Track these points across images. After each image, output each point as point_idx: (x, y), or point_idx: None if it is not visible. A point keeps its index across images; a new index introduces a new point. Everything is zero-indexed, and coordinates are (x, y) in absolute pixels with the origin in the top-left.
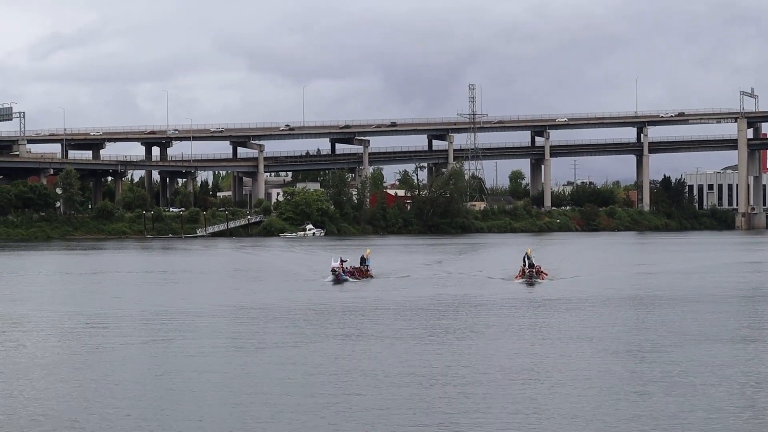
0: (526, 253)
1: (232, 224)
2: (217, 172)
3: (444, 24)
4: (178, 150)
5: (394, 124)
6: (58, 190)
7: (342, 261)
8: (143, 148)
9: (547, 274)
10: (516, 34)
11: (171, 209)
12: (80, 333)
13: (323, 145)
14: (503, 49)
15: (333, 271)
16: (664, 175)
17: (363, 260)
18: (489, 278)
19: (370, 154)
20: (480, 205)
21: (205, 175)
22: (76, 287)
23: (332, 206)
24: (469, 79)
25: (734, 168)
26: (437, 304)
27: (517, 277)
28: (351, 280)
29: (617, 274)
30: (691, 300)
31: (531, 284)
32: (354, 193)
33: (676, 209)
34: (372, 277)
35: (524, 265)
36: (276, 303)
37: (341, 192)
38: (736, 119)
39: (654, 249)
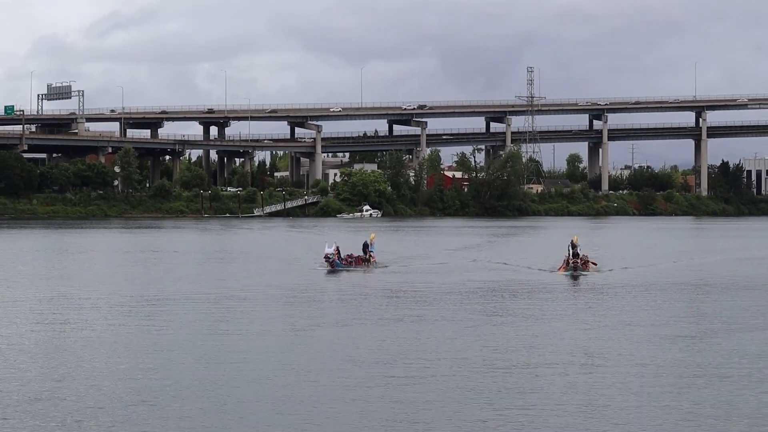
0: (572, 241)
1: (289, 204)
2: (274, 153)
3: (501, 6)
4: (235, 130)
5: (452, 107)
6: (116, 169)
7: (337, 247)
8: (201, 127)
9: (595, 264)
10: (573, 17)
11: (228, 189)
12: (135, 312)
13: (381, 126)
14: (560, 31)
15: (326, 258)
16: (723, 160)
17: (366, 246)
18: (521, 267)
19: (427, 135)
20: (537, 188)
21: (262, 155)
22: (134, 266)
23: (389, 187)
24: (526, 61)
25: None
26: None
27: (560, 269)
28: (348, 268)
29: (673, 260)
30: (749, 287)
31: (575, 277)
32: (411, 174)
33: (734, 194)
34: (376, 263)
35: (568, 255)
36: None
37: (398, 173)
38: None
39: (713, 235)
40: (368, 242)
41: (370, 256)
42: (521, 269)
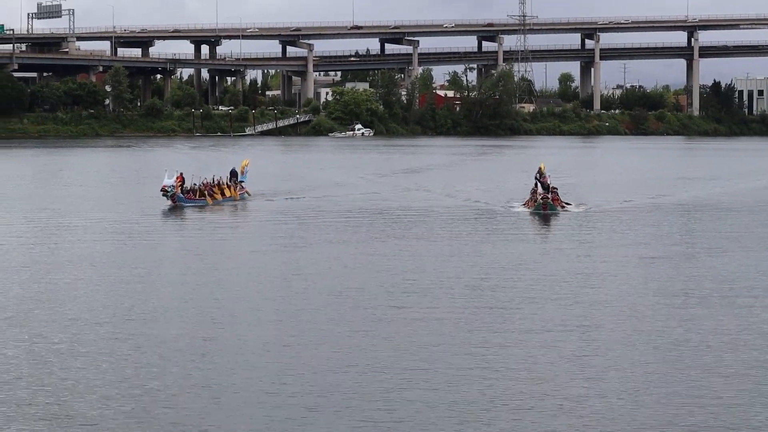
0: (539, 169)
1: (280, 123)
2: (266, 71)
3: None
4: (227, 49)
5: (442, 27)
6: (107, 88)
7: (181, 176)
8: (192, 46)
9: (569, 204)
10: None
11: (220, 108)
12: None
13: (373, 45)
14: None
15: (164, 191)
16: (714, 80)
17: (234, 174)
18: (463, 199)
19: (419, 54)
20: (529, 107)
21: (254, 74)
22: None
23: (381, 106)
24: None
25: None
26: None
27: (527, 204)
28: (196, 203)
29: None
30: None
31: (545, 216)
32: (403, 93)
33: (726, 114)
34: (247, 195)
35: (536, 187)
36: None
37: (390, 92)
38: None
39: (702, 156)
40: (238, 170)
41: (240, 186)
42: (461, 201)
